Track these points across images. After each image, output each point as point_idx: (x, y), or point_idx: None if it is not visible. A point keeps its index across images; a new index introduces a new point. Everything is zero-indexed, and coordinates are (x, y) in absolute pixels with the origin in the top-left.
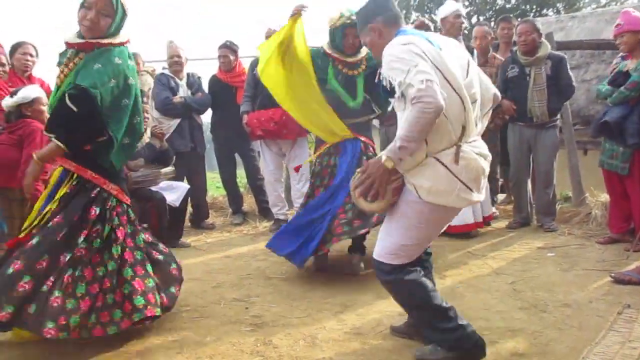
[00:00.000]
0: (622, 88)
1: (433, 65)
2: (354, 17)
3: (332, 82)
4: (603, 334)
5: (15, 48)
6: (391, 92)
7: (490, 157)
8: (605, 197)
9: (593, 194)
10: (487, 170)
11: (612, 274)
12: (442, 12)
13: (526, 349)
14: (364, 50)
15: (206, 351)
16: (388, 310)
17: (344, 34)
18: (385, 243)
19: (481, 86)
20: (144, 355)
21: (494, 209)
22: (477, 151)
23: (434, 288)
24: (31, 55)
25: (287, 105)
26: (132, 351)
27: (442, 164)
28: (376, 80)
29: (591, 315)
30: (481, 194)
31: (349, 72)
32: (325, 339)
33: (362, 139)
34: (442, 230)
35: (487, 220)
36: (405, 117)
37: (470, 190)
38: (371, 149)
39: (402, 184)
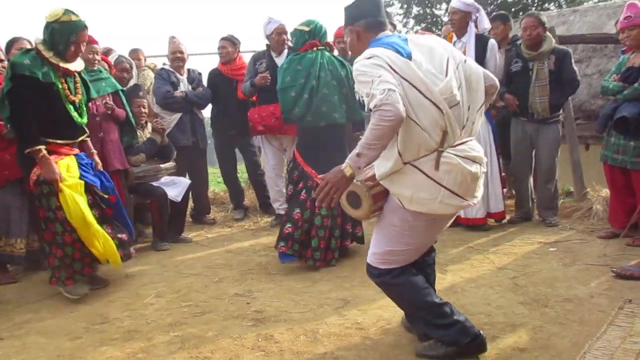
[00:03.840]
0: (636, 84)
1: (398, 75)
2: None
3: None
4: (604, 328)
5: (11, 44)
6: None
7: (484, 159)
8: (606, 191)
9: (594, 189)
10: (479, 172)
11: (613, 269)
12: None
13: (527, 344)
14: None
15: (208, 346)
16: (389, 305)
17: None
18: (374, 249)
19: (471, 80)
20: (147, 350)
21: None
22: (463, 155)
23: (426, 285)
24: None
25: None
26: (135, 346)
27: (421, 171)
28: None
29: (592, 310)
30: (474, 198)
31: None
32: (326, 333)
33: None
34: (436, 236)
35: (494, 217)
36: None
37: (457, 195)
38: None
39: (384, 190)
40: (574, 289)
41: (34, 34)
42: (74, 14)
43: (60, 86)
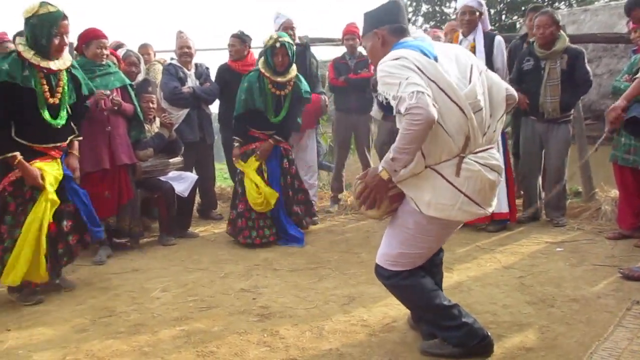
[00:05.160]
0: None
1: (426, 77)
2: (282, 39)
3: (258, 100)
4: (611, 329)
5: (18, 36)
6: (389, 108)
7: (502, 168)
8: (615, 192)
9: (603, 189)
10: (497, 181)
11: (621, 270)
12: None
13: (534, 344)
14: (293, 72)
15: (213, 341)
16: (395, 303)
17: (274, 53)
18: (386, 250)
19: (492, 89)
20: (152, 344)
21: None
22: (483, 162)
23: (435, 287)
24: None
25: None
26: (141, 340)
27: (442, 176)
28: (376, 96)
29: (600, 310)
30: (490, 207)
31: (277, 91)
32: (331, 330)
33: (282, 145)
34: (445, 240)
35: (496, 218)
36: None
37: (475, 203)
38: (290, 151)
39: (401, 192)
40: (581, 289)
41: None
42: (50, 4)
43: (39, 88)
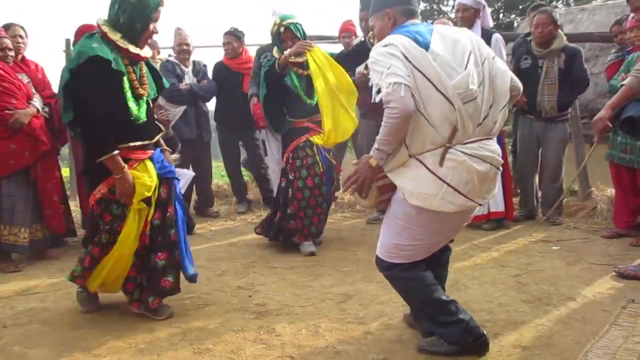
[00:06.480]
0: None
1: (411, 64)
2: (285, 22)
3: (296, 83)
4: (607, 328)
5: (6, 30)
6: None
7: (497, 159)
8: (611, 191)
9: (599, 188)
10: (490, 173)
11: (616, 269)
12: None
13: (529, 342)
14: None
15: (210, 338)
16: (391, 300)
17: (281, 39)
18: (382, 241)
19: (496, 78)
20: (149, 341)
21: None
22: (471, 152)
23: (434, 282)
24: (21, 37)
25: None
26: (138, 337)
27: (425, 165)
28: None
29: (595, 309)
30: (482, 199)
31: (303, 72)
32: (328, 328)
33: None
34: (449, 238)
35: (492, 217)
36: None
37: (461, 194)
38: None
39: (391, 183)
40: (577, 288)
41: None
42: None
43: (127, 77)
